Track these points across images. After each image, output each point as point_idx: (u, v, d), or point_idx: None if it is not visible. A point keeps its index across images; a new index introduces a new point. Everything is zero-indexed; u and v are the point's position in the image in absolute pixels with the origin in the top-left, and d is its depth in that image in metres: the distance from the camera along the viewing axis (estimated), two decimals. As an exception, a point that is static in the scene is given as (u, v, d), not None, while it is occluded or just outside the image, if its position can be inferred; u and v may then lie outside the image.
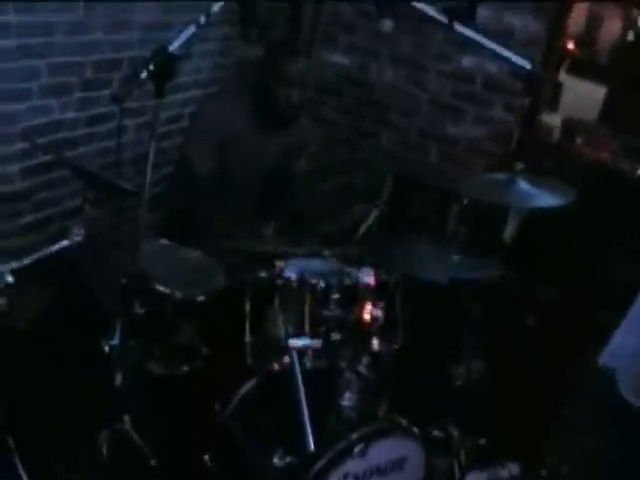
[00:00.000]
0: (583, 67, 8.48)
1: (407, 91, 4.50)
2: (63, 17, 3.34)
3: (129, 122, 3.80)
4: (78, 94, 3.58)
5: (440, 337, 3.07)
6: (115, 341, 2.54)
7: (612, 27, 10.04)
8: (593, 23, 10.26)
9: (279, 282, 2.57)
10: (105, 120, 3.71)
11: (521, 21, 4.17)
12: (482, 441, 3.05)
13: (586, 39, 10.07)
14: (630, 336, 2.58)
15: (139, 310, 2.60)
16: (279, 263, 2.57)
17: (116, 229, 3.22)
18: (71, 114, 3.57)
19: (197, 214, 3.15)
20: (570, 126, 4.26)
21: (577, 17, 5.68)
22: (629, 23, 8.43)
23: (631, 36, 8.05)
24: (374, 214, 3.24)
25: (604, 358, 2.61)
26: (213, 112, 3.26)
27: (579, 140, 3.97)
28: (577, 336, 3.37)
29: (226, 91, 4.16)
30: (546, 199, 2.78)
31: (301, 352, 2.49)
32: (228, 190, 3.26)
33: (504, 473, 3.10)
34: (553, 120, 5.20)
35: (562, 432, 3.36)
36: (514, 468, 3.13)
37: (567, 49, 5.56)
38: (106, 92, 3.68)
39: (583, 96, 6.53)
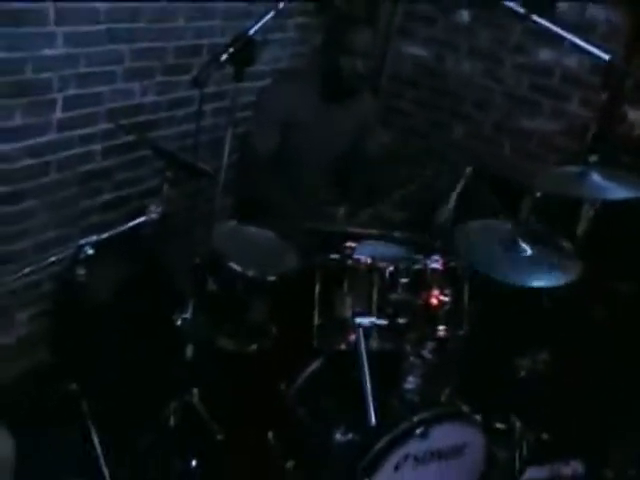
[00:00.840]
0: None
1: (483, 84, 4.48)
2: (148, 4, 3.45)
3: (207, 106, 3.88)
4: (159, 78, 3.68)
5: (507, 326, 3.06)
6: (187, 315, 2.63)
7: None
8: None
9: (349, 263, 2.61)
10: (184, 104, 3.80)
11: (603, 13, 4.11)
12: (545, 436, 3.02)
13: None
14: None
15: (212, 287, 2.67)
16: (350, 244, 2.61)
17: (193, 209, 3.32)
18: (152, 97, 3.68)
19: (265, 197, 3.21)
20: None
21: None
22: None
23: None
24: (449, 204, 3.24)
25: None
26: (276, 94, 3.33)
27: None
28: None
29: (291, 72, 4.21)
30: (620, 191, 2.74)
31: (367, 331, 2.53)
32: (297, 171, 3.32)
33: (567, 470, 3.07)
34: (636, 119, 5.10)
35: (630, 432, 3.30)
36: (577, 466, 3.10)
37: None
38: (186, 77, 3.77)
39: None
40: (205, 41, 3.85)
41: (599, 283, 3.44)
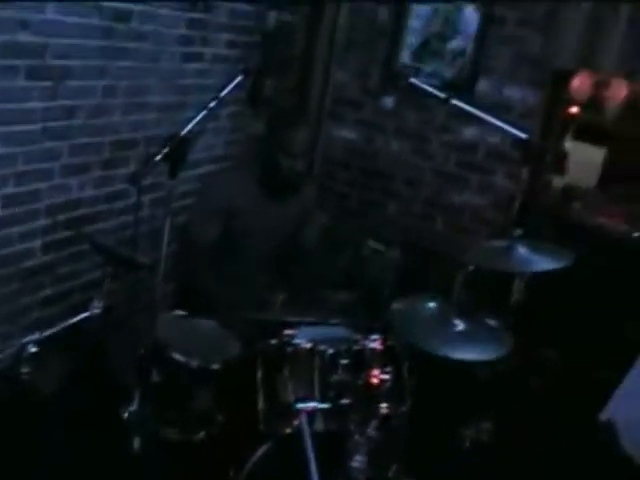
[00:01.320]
0: (589, 131, 8.65)
1: (412, 162, 4.65)
2: (84, 101, 3.55)
3: (144, 198, 3.96)
4: (97, 173, 3.76)
5: (449, 398, 3.14)
6: (133, 407, 2.65)
7: (618, 90, 10.25)
8: (600, 87, 10.48)
9: (289, 350, 2.68)
10: (122, 197, 3.88)
11: (519, 93, 4.34)
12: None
13: (593, 103, 10.26)
14: (631, 392, 2.64)
15: (156, 378, 2.69)
16: (289, 331, 2.68)
17: (134, 301, 3.36)
18: (90, 192, 3.74)
19: (205, 286, 3.27)
20: (568, 192, 4.39)
21: (583, 81, 5.81)
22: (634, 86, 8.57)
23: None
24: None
25: (605, 413, 2.68)
26: (218, 184, 3.44)
27: (577, 206, 4.10)
28: (580, 396, 3.42)
29: (232, 165, 4.34)
30: (545, 263, 2.88)
31: (311, 415, 2.58)
32: (237, 259, 3.39)
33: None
34: (559, 184, 5.33)
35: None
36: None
37: (571, 114, 5.69)
38: (123, 170, 3.86)
39: (587, 159, 6.65)
40: (141, 134, 3.95)
41: (531, 351, 3.56)
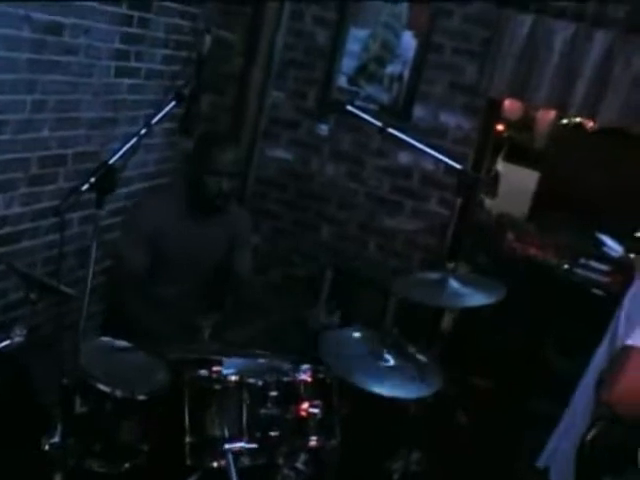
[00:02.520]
0: (520, 153, 8.82)
1: (346, 185, 4.65)
2: (12, 115, 3.43)
3: (73, 215, 3.86)
4: (24, 189, 3.64)
5: (378, 430, 3.13)
6: (56, 439, 2.56)
7: (548, 112, 10.46)
8: (530, 109, 10.69)
9: (217, 381, 2.63)
10: (49, 215, 3.75)
11: (454, 120, 4.38)
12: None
13: (524, 124, 10.48)
14: (562, 440, 2.66)
15: (80, 408, 2.61)
16: (217, 368, 2.63)
17: (59, 324, 3.25)
18: (16, 209, 3.62)
19: (133, 312, 3.20)
20: (502, 222, 4.45)
21: (514, 103, 5.94)
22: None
23: (565, 120, 8.41)
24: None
25: (542, 460, 2.70)
26: (145, 208, 3.36)
27: (510, 236, 4.15)
28: (512, 428, 3.47)
29: (161, 186, 4.27)
30: (476, 298, 2.90)
31: (238, 453, 2.54)
32: (167, 285, 3.32)
33: None
34: (492, 206, 5.42)
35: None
36: None
37: (499, 132, 5.80)
38: (51, 187, 3.75)
39: (520, 183, 6.78)
40: (70, 150, 3.85)
41: (463, 381, 3.59)
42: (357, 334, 3.03)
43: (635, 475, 2.30)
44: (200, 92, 2.67)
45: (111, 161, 2.35)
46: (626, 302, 2.53)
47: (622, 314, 2.53)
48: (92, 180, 2.27)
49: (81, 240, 3.94)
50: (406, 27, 4.37)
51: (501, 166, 7.12)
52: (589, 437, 2.30)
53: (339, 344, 2.92)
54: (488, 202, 5.39)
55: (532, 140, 10.47)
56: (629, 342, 2.31)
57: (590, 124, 4.76)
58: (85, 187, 2.27)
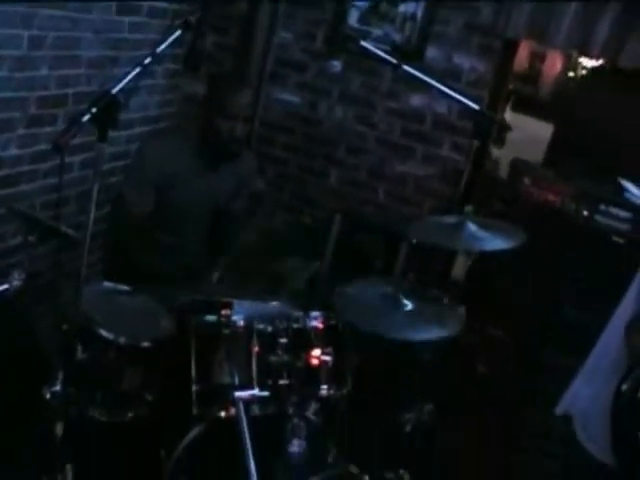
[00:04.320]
0: (527, 104, 8.65)
1: (356, 129, 4.50)
2: (7, 51, 3.29)
3: (74, 159, 3.75)
4: (22, 130, 3.51)
5: (391, 380, 3.04)
6: (57, 388, 2.46)
7: (554, 64, 10.30)
8: (535, 60, 10.53)
9: (225, 326, 2.53)
10: (48, 157, 3.64)
11: (469, 62, 4.22)
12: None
13: (529, 76, 10.31)
14: (584, 386, 2.58)
15: (82, 356, 2.51)
16: (226, 311, 2.52)
17: (58, 269, 3.14)
18: (14, 151, 3.50)
19: (137, 256, 3.08)
20: (517, 167, 4.30)
21: (520, 54, 5.77)
22: (569, 61, 8.64)
23: (572, 73, 8.25)
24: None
25: (561, 407, 2.61)
26: (152, 151, 3.19)
27: (526, 181, 4.00)
28: (528, 379, 3.39)
29: (168, 129, 4.13)
30: (495, 242, 2.77)
31: (248, 402, 2.45)
32: (170, 230, 3.21)
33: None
34: (500, 156, 5.28)
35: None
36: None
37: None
38: (50, 129, 3.62)
39: (529, 133, 6.64)
40: (70, 90, 3.71)
41: (478, 331, 3.48)
42: (372, 280, 2.90)
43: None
44: (207, 23, 2.51)
45: (114, 90, 2.19)
46: None
47: None
48: (94, 110, 2.12)
49: (81, 184, 3.82)
50: (420, -36, 4.19)
51: (509, 116, 6.99)
52: (625, 387, 2.21)
53: (353, 293, 2.79)
54: (495, 151, 5.24)
55: (537, 91, 10.32)
56: None
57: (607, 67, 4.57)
58: (86, 118, 2.12)
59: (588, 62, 6.56)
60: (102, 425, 2.58)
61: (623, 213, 3.78)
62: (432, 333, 2.64)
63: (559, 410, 2.62)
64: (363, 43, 3.11)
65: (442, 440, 3.10)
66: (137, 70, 2.30)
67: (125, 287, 2.76)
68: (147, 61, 2.33)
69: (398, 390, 3.03)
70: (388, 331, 2.58)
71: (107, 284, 2.79)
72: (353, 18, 4.35)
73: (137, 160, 3.24)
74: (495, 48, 4.20)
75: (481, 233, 2.79)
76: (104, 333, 2.51)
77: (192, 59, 2.55)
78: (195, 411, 2.51)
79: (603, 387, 2.43)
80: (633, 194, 3.90)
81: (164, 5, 4.14)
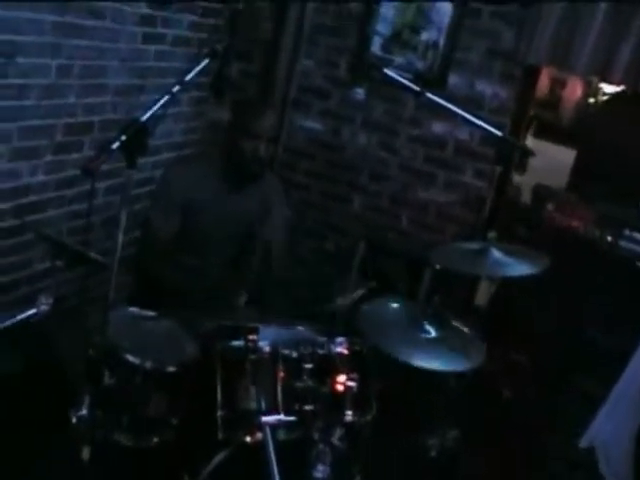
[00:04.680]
0: (549, 130, 8.67)
1: (378, 156, 4.52)
2: (36, 80, 3.34)
3: (99, 185, 3.79)
4: (49, 157, 3.56)
5: (415, 406, 3.03)
6: (83, 412, 2.47)
7: (574, 90, 10.33)
8: (556, 86, 10.56)
9: (251, 351, 2.53)
10: (74, 183, 3.68)
11: (491, 89, 4.24)
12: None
13: (550, 102, 10.34)
14: (608, 418, 2.55)
15: (108, 380, 2.52)
16: (252, 336, 2.53)
17: (86, 294, 3.17)
18: (41, 177, 3.55)
19: (165, 280, 3.10)
20: (540, 192, 4.30)
21: (541, 80, 5.79)
22: (589, 87, 8.66)
23: (592, 99, 8.26)
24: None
25: (585, 439, 2.59)
26: (177, 176, 3.24)
27: (550, 207, 4.01)
28: (552, 404, 3.36)
29: (192, 155, 4.17)
30: (519, 268, 2.78)
31: (274, 427, 2.45)
32: (196, 253, 3.23)
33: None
34: (521, 182, 5.29)
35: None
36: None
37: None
38: (76, 155, 3.67)
39: (551, 159, 6.64)
40: (96, 118, 3.76)
41: (502, 357, 3.47)
42: (396, 304, 2.91)
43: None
44: (233, 51, 2.55)
45: (143, 118, 2.23)
46: None
47: None
48: (123, 137, 2.15)
49: (107, 210, 3.85)
50: (441, -8, 4.23)
51: (530, 142, 7.00)
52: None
53: (377, 315, 2.80)
54: (517, 178, 5.25)
55: (558, 118, 10.34)
56: None
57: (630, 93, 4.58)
58: (116, 145, 2.15)
59: (608, 88, 6.59)
60: (128, 450, 2.59)
61: (647, 238, 3.77)
62: (454, 365, 2.65)
63: (583, 443, 2.59)
64: (386, 71, 3.14)
65: (465, 465, 3.07)
66: (165, 98, 2.34)
67: (151, 312, 2.78)
68: (175, 89, 2.37)
69: (422, 415, 3.02)
70: (411, 358, 2.58)
71: (133, 309, 2.80)
72: (376, 46, 4.40)
73: (162, 185, 3.28)
74: (517, 75, 4.23)
75: (505, 259, 2.80)
76: (130, 358, 2.52)
77: (218, 86, 2.59)
78: (221, 436, 2.50)
79: (627, 420, 2.41)
80: (656, 219, 3.89)
81: (187, 34, 4.19)
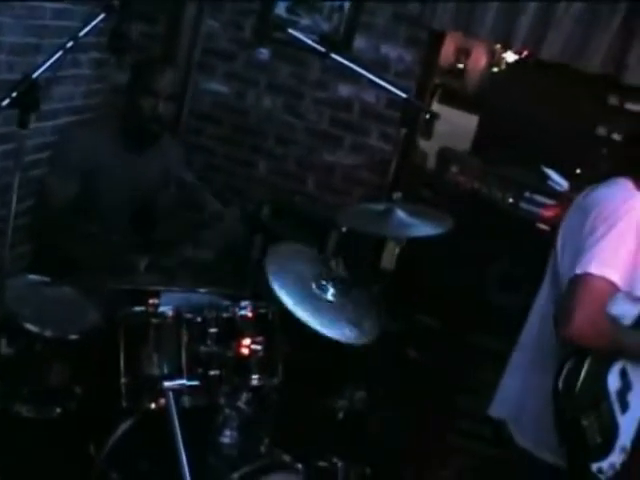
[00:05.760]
0: (454, 97, 8.80)
1: (284, 119, 4.49)
2: None
3: (-8, 149, 3.64)
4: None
5: (321, 368, 3.05)
6: (-20, 383, 2.40)
7: (478, 59, 10.48)
8: (461, 54, 10.72)
9: (154, 317, 2.49)
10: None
11: (397, 52, 4.26)
12: (368, 470, 3.03)
13: (455, 71, 10.49)
14: (512, 383, 2.58)
15: (7, 350, 2.45)
16: (153, 300, 2.48)
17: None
18: None
19: (63, 249, 3.02)
20: (445, 155, 4.36)
21: (446, 49, 5.86)
22: (493, 55, 8.81)
23: (496, 69, 8.42)
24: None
25: (493, 409, 2.61)
26: (75, 140, 3.17)
27: (454, 169, 4.07)
28: (457, 364, 3.43)
29: (92, 118, 4.06)
30: (424, 229, 2.81)
31: (178, 392, 2.42)
32: (97, 220, 3.15)
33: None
34: (427, 147, 5.34)
35: (450, 460, 3.39)
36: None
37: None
38: (-31, 117, 3.51)
39: (456, 125, 6.73)
40: (-9, 77, 3.60)
41: (408, 317, 3.52)
42: (300, 250, 2.92)
43: (607, 404, 2.28)
44: (130, 6, 2.46)
45: (35, 75, 2.14)
46: (559, 235, 2.46)
47: (558, 246, 2.45)
48: (14, 94, 2.06)
49: (3, 176, 3.70)
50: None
51: (436, 107, 7.08)
52: (562, 379, 2.24)
53: (281, 257, 2.80)
54: (423, 143, 5.30)
55: (463, 86, 10.51)
56: (578, 271, 2.24)
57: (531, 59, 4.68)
58: (6, 102, 2.06)
59: (511, 57, 6.70)
60: (29, 421, 2.52)
61: (546, 200, 3.88)
62: (348, 335, 2.70)
63: (492, 412, 2.61)
64: (291, 31, 3.10)
65: (374, 427, 3.11)
66: (59, 54, 2.25)
67: (50, 279, 2.71)
68: (69, 45, 2.28)
69: (329, 377, 3.04)
70: (311, 320, 2.60)
71: (31, 277, 2.73)
72: (281, 8, 4.35)
73: (60, 150, 3.20)
74: (422, 39, 4.25)
75: (409, 220, 2.83)
76: (30, 326, 2.46)
77: (116, 43, 2.51)
78: (125, 404, 2.46)
79: (532, 380, 2.46)
80: (556, 182, 3.99)
81: (87, -9, 4.05)
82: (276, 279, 2.72)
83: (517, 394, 2.52)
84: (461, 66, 10.50)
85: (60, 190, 3.07)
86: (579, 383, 2.24)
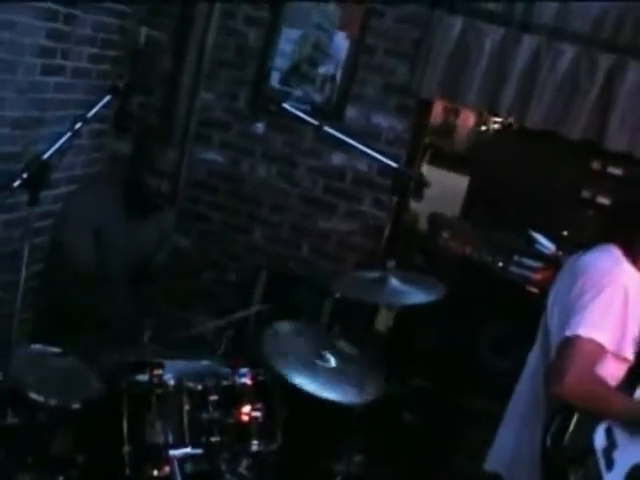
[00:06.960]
0: (443, 157, 8.95)
1: (279, 187, 4.59)
2: None
3: (-2, 219, 3.73)
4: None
5: (320, 433, 3.09)
6: (-15, 452, 2.44)
7: (467, 118, 10.69)
8: (450, 114, 10.92)
9: (156, 385, 2.56)
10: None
11: (387, 121, 4.37)
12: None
13: (444, 129, 10.67)
14: (507, 436, 2.65)
15: (12, 419, 2.50)
16: (158, 371, 2.55)
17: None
18: None
19: (87, 306, 3.08)
20: (436, 221, 4.47)
21: (435, 109, 5.98)
22: (481, 114, 8.97)
23: (484, 127, 8.57)
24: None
25: (488, 463, 2.67)
26: (85, 201, 3.29)
27: (445, 235, 4.17)
28: (452, 426, 3.47)
29: (97, 182, 4.16)
30: (416, 296, 2.89)
31: (181, 460, 2.47)
32: (104, 282, 3.23)
33: None
34: (418, 209, 5.44)
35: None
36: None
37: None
38: (-26, 189, 3.59)
39: (446, 186, 6.84)
40: (-6, 150, 3.71)
41: (402, 380, 3.57)
42: (298, 330, 2.99)
43: (593, 461, 2.33)
44: (134, 87, 2.59)
45: (45, 155, 2.24)
46: (550, 297, 2.56)
47: (549, 306, 2.55)
48: (25, 175, 2.16)
49: (9, 244, 3.78)
50: (338, 28, 4.36)
51: (425, 169, 7.19)
52: (550, 434, 2.31)
53: (280, 339, 2.87)
54: (413, 205, 5.40)
55: (452, 145, 10.69)
56: (568, 333, 2.34)
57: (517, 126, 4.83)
58: (17, 183, 2.16)
59: (497, 123, 6.86)
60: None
61: (535, 263, 3.98)
62: (350, 397, 2.77)
63: (488, 466, 2.67)
64: (285, 105, 3.22)
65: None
66: (67, 135, 2.36)
67: (54, 349, 2.76)
68: (78, 126, 2.39)
69: (327, 441, 3.08)
70: (310, 387, 2.66)
71: (36, 346, 2.78)
72: (275, 79, 4.49)
73: (71, 211, 3.30)
74: (411, 107, 4.38)
75: (403, 287, 2.91)
76: (34, 396, 2.51)
77: (122, 123, 2.63)
78: (128, 471, 2.51)
79: (522, 437, 2.52)
80: (543, 245, 4.10)
81: (88, 66, 4.18)
82: (276, 361, 2.78)
83: (511, 447, 2.59)
84: (450, 125, 10.74)
85: (81, 247, 3.16)
86: (566, 438, 2.31)
